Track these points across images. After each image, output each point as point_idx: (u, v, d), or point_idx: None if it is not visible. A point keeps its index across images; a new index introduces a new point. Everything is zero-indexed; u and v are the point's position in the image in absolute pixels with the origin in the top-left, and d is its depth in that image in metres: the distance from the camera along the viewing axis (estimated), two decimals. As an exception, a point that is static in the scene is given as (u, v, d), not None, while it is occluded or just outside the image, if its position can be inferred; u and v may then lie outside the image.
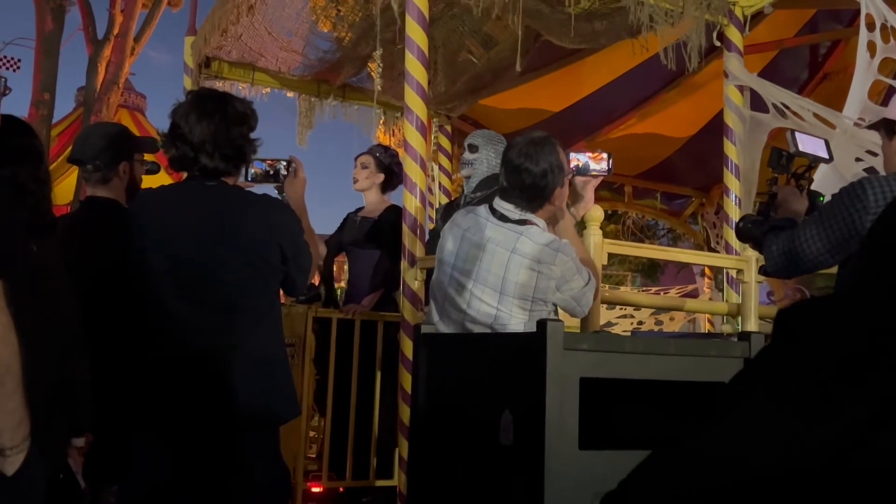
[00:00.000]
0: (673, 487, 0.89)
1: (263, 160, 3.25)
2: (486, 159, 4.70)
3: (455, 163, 6.97)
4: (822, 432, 0.83)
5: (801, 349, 0.89)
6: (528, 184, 3.29)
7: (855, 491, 0.81)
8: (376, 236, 5.27)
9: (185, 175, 3.09)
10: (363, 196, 5.44)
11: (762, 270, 3.33)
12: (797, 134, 3.39)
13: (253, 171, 3.25)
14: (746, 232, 3.34)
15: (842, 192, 2.89)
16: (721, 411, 0.90)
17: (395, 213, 5.23)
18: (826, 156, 3.42)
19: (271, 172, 3.28)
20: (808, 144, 3.38)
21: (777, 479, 0.84)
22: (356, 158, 5.44)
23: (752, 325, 4.22)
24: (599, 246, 3.77)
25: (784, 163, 3.39)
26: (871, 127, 3.29)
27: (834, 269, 3.06)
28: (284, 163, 3.30)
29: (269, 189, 3.23)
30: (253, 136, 3.05)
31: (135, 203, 3.14)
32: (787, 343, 0.91)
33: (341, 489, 5.10)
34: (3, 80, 2.12)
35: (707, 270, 9.97)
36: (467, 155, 4.76)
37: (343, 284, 10.43)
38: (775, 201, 3.33)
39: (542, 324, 2.60)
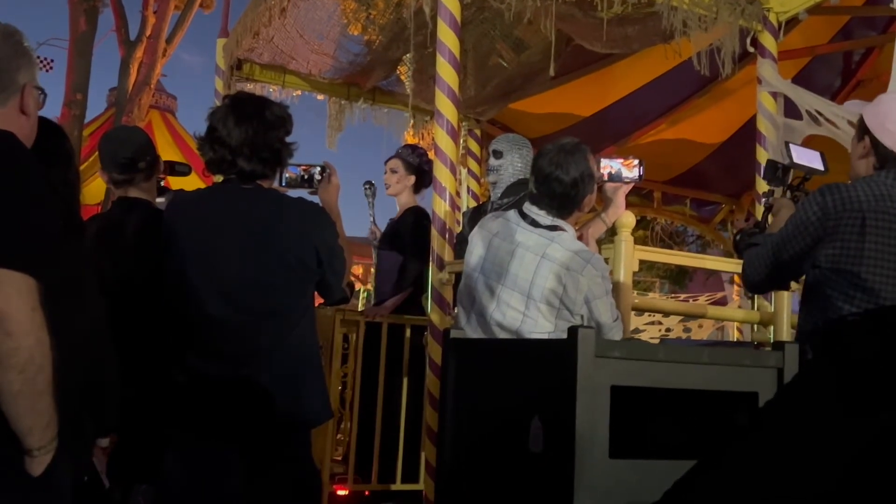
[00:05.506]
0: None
1: (298, 165, 3.26)
2: (510, 164, 4.67)
3: (484, 166, 6.95)
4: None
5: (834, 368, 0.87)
6: (559, 192, 3.27)
7: None
8: (396, 238, 5.26)
9: (218, 178, 3.10)
10: (395, 199, 5.43)
11: (746, 286, 3.36)
12: (791, 146, 3.42)
13: (287, 175, 3.26)
14: (741, 245, 3.35)
15: (803, 202, 3.00)
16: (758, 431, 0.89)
17: (413, 215, 5.22)
18: (821, 168, 3.44)
19: (305, 177, 3.29)
20: (803, 156, 3.42)
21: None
22: (385, 163, 5.42)
23: (785, 335, 4.17)
24: (630, 252, 3.73)
25: (780, 175, 3.44)
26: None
27: None
28: (318, 168, 3.30)
29: (303, 194, 3.23)
30: (289, 139, 3.06)
31: (172, 205, 3.15)
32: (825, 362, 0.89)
33: (367, 493, 5.09)
34: (43, 95, 2.15)
35: (736, 278, 9.87)
36: (492, 161, 4.73)
37: (369, 287, 10.47)
38: (770, 214, 3.36)
39: (573, 330, 2.57)
